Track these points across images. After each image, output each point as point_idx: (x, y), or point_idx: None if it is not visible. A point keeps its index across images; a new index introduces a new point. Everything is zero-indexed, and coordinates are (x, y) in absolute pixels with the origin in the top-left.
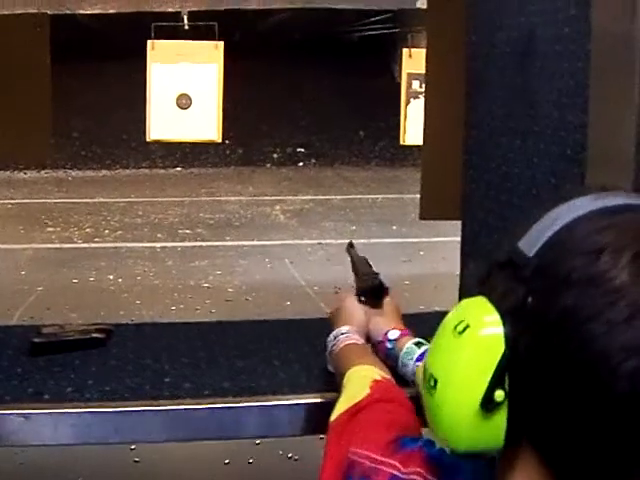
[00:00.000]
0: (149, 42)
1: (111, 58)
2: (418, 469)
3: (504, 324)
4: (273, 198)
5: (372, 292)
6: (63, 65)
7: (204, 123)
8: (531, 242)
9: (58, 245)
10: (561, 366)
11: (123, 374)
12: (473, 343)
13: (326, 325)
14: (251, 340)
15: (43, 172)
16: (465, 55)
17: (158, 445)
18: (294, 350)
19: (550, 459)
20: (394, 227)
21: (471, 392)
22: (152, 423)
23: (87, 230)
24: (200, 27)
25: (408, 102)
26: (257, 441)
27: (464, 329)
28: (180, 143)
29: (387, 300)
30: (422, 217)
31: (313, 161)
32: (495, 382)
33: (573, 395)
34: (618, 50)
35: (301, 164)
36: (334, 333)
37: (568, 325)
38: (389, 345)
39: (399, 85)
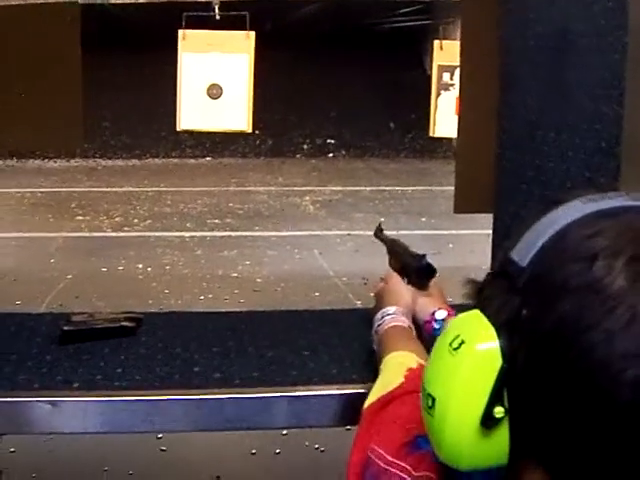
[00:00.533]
0: (180, 32)
1: (142, 48)
2: (428, 473)
3: (500, 338)
4: (303, 189)
5: (419, 273)
6: (93, 55)
7: (234, 113)
8: (524, 251)
9: (87, 234)
10: (560, 377)
11: (153, 363)
12: (469, 359)
13: (356, 316)
14: (281, 330)
15: (73, 161)
16: (498, 49)
17: (184, 434)
18: (324, 341)
19: (554, 472)
20: (423, 219)
21: (470, 410)
22: (181, 412)
23: (116, 219)
24: (231, 17)
25: (438, 94)
26: (284, 432)
27: (459, 345)
28: (210, 133)
29: (433, 282)
30: (457, 210)
31: (343, 152)
32: (494, 398)
33: (574, 406)
34: None
35: (331, 155)
36: (381, 312)
37: (566, 335)
38: (436, 325)
39: (429, 77)
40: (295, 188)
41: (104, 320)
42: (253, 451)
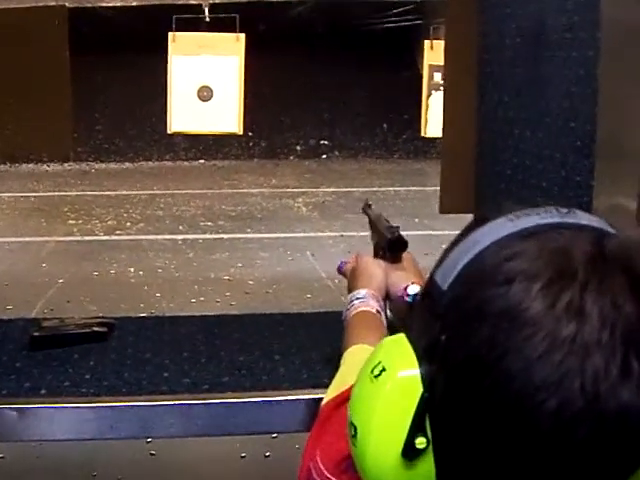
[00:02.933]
0: (170, 34)
1: (133, 51)
2: None
3: (421, 364)
4: (296, 190)
5: (391, 245)
6: (86, 59)
7: (225, 115)
8: (446, 272)
9: (79, 238)
10: (478, 407)
11: (122, 369)
12: (388, 387)
13: (331, 318)
14: (253, 334)
15: (66, 165)
16: (478, 47)
17: (175, 439)
18: (296, 345)
19: None
20: (416, 220)
21: (391, 440)
22: (148, 419)
23: (109, 222)
24: (221, 19)
25: (430, 94)
26: (274, 435)
27: (380, 372)
28: (203, 135)
29: (405, 255)
30: (442, 210)
31: (336, 153)
32: (415, 428)
33: (494, 437)
34: (629, 39)
35: (324, 156)
36: (350, 296)
37: (482, 363)
38: (409, 300)
39: (421, 77)
40: (288, 190)
41: (75, 325)
42: (243, 454)
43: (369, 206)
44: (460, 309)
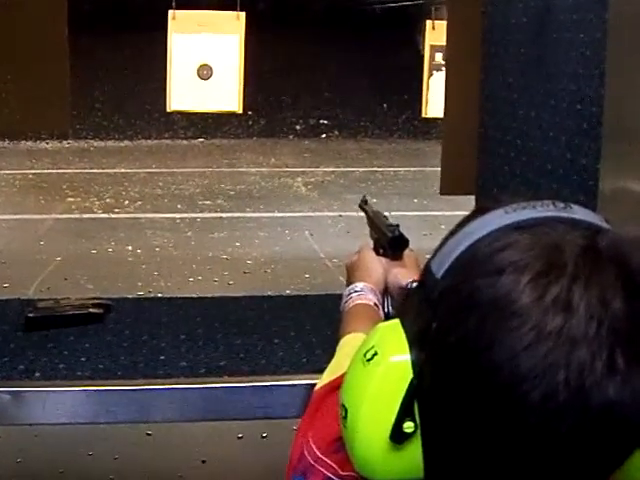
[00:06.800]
0: (170, 12)
1: (133, 28)
2: (355, 474)
3: (411, 351)
4: (295, 170)
5: (392, 244)
6: (85, 36)
7: (225, 94)
8: (441, 262)
9: (78, 215)
10: (464, 395)
11: (118, 351)
12: (379, 371)
13: (331, 301)
14: (252, 317)
15: (65, 142)
16: (482, 27)
17: None
18: (296, 328)
19: None
20: (415, 200)
21: (380, 424)
22: (144, 403)
23: (107, 200)
24: None
25: (430, 74)
26: None
27: (372, 356)
28: (203, 114)
29: (408, 252)
30: (443, 192)
31: (336, 133)
32: (403, 412)
33: (480, 425)
34: (635, 20)
35: (324, 136)
36: (348, 289)
37: (469, 352)
38: None
39: (423, 57)
40: (287, 169)
41: (71, 306)
42: (240, 435)
43: (366, 202)
44: (452, 298)
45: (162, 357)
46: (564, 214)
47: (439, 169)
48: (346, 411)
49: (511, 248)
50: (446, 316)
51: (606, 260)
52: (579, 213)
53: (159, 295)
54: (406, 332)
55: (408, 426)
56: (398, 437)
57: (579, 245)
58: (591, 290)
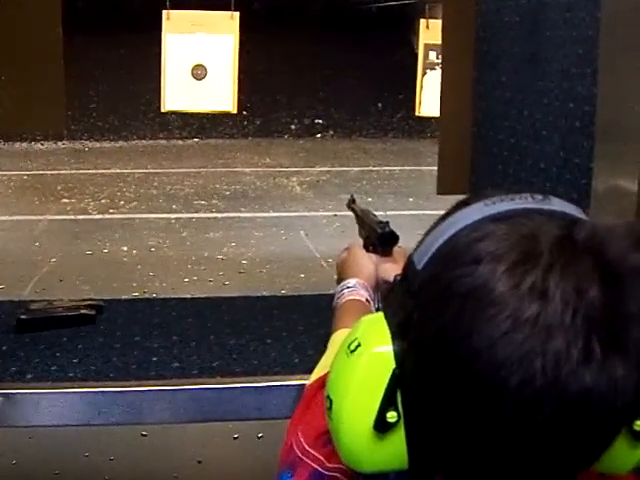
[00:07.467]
0: (164, 12)
1: (127, 28)
2: (342, 466)
3: (394, 341)
4: (290, 169)
5: (382, 240)
6: (80, 36)
7: (219, 94)
8: (422, 254)
9: (73, 216)
10: (445, 384)
11: (110, 352)
12: (363, 362)
13: (324, 301)
14: (245, 317)
15: (60, 143)
16: (476, 25)
17: None
18: (288, 328)
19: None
20: (411, 199)
21: (363, 414)
22: (137, 405)
23: (102, 201)
24: None
25: (425, 73)
26: None
27: (356, 348)
28: (198, 114)
29: (397, 248)
30: (440, 192)
31: (331, 133)
32: (386, 402)
33: (460, 413)
34: (629, 18)
35: (318, 136)
36: (341, 285)
37: (448, 341)
38: None
39: (417, 56)
40: (282, 169)
41: (63, 308)
42: (235, 435)
43: (354, 201)
44: (431, 288)
45: (154, 358)
46: (541, 206)
47: (434, 168)
48: (331, 402)
49: (488, 238)
50: (426, 306)
51: (582, 250)
52: (556, 205)
53: (154, 296)
54: (389, 323)
55: (391, 416)
56: (382, 427)
57: (555, 235)
58: (567, 279)
